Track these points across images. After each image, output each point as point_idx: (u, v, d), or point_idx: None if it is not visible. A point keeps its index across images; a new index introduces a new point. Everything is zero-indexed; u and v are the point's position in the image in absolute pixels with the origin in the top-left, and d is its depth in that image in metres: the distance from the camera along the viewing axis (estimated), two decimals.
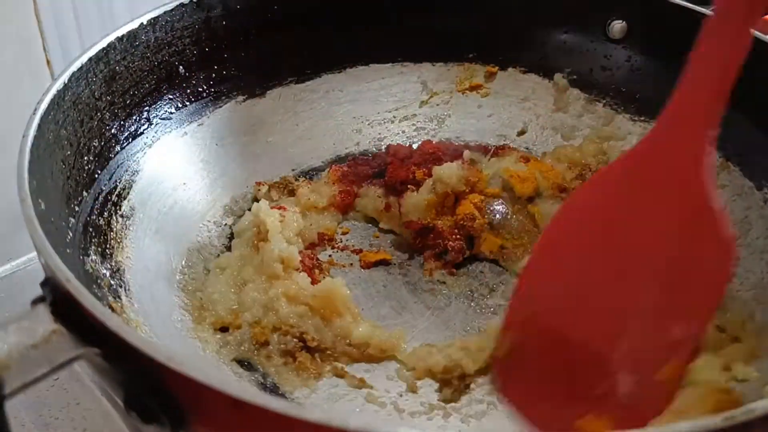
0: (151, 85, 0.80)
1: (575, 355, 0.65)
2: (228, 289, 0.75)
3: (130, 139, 0.77)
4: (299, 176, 0.89)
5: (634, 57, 0.90)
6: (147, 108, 0.80)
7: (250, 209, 0.82)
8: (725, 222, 0.58)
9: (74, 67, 0.69)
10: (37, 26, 0.89)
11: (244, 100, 0.89)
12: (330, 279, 0.73)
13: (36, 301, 0.49)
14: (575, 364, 0.65)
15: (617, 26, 0.90)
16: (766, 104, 0.77)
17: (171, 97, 0.82)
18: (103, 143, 0.73)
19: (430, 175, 0.83)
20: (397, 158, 0.88)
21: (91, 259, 0.65)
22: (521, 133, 0.94)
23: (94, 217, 0.69)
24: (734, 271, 0.67)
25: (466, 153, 0.87)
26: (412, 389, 0.69)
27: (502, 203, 0.84)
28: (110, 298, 0.64)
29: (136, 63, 0.78)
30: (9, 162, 0.58)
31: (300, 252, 0.78)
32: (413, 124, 0.96)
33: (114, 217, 0.72)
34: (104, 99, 0.74)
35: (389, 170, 0.86)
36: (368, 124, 0.95)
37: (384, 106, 0.96)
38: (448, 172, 0.82)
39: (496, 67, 0.96)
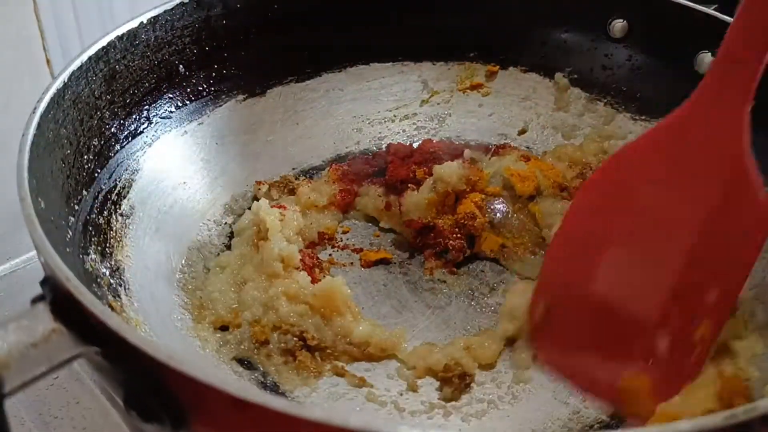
0: (151, 84, 0.80)
1: (614, 315, 0.66)
2: (228, 288, 0.75)
3: (130, 138, 0.77)
4: (299, 175, 0.89)
5: (634, 56, 0.90)
6: (147, 107, 0.80)
7: (250, 208, 0.82)
8: (762, 187, 0.61)
9: (74, 66, 0.69)
10: (37, 26, 0.89)
11: (245, 99, 0.89)
12: (330, 278, 0.73)
13: (36, 300, 0.49)
14: (614, 324, 0.66)
15: (618, 25, 0.90)
16: (766, 104, 0.77)
17: (171, 96, 0.82)
18: (102, 142, 0.73)
19: (431, 174, 0.83)
20: (397, 157, 0.88)
21: (91, 258, 0.65)
22: (522, 132, 0.94)
23: (94, 216, 0.69)
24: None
25: (467, 152, 0.87)
26: (413, 388, 0.69)
27: (503, 202, 0.84)
28: (110, 297, 0.64)
29: (136, 62, 0.78)
30: (9, 161, 0.58)
31: (300, 251, 0.78)
32: (414, 123, 0.96)
33: (114, 216, 0.72)
34: (104, 98, 0.74)
35: (390, 169, 0.86)
36: (369, 123, 0.95)
37: (384, 105, 0.96)
38: (449, 171, 0.82)
39: (497, 66, 0.96)
